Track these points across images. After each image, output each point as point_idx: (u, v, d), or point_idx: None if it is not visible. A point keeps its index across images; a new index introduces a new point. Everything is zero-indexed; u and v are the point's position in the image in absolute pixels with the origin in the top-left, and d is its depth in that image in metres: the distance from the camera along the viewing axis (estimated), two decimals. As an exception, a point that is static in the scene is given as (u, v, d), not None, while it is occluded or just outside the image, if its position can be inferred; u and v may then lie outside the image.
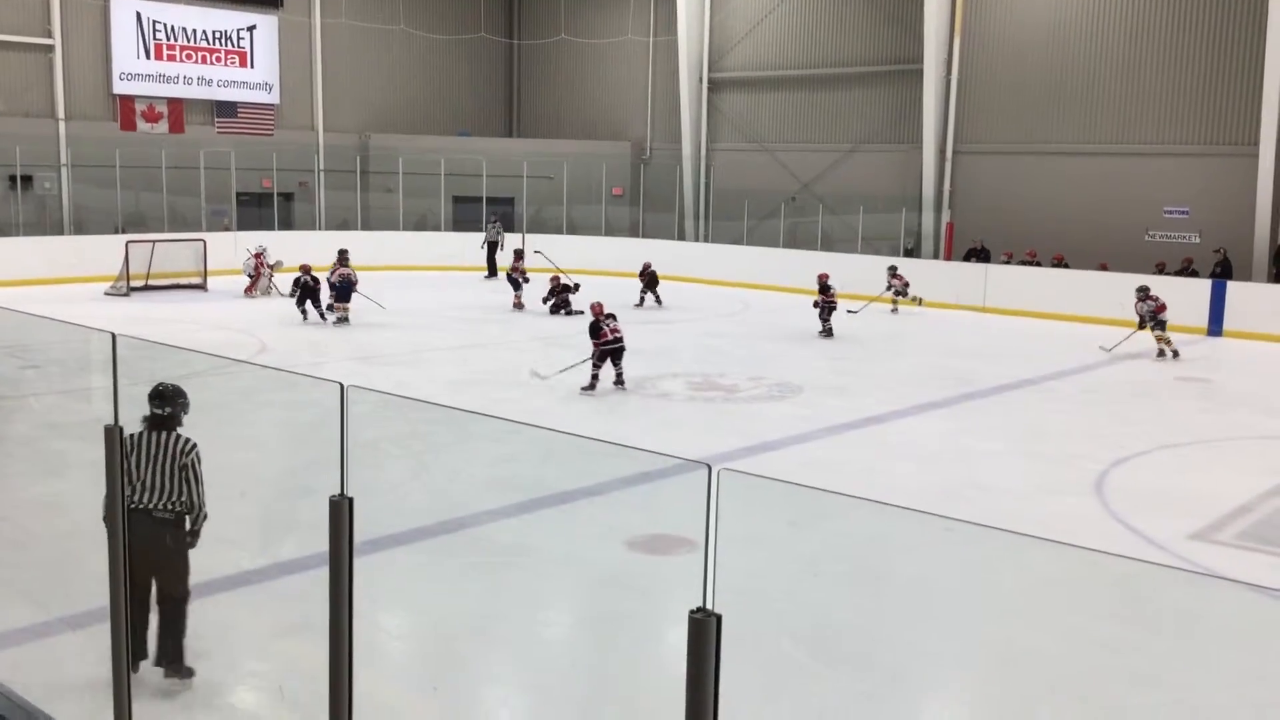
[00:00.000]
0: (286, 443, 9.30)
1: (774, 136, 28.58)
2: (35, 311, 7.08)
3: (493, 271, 26.42)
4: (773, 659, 5.91)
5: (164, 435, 5.47)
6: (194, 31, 27.38)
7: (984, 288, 22.75)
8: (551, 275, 20.50)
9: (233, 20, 27.93)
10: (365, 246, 24.83)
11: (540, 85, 33.47)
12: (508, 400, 12.79)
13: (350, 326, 18.13)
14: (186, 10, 27.16)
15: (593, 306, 14.15)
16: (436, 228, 29.21)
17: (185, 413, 5.61)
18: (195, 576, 6.59)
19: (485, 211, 28.80)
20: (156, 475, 5.40)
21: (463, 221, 29.57)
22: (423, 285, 24.00)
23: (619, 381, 13.53)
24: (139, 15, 26.44)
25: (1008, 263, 23.28)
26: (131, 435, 5.34)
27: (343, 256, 18.95)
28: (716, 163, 29.56)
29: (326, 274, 18.75)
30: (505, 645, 6.40)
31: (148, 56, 26.67)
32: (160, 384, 5.57)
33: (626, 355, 13.61)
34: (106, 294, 21.29)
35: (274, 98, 28.79)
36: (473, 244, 27.36)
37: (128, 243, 21.88)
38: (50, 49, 25.14)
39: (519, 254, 22.09)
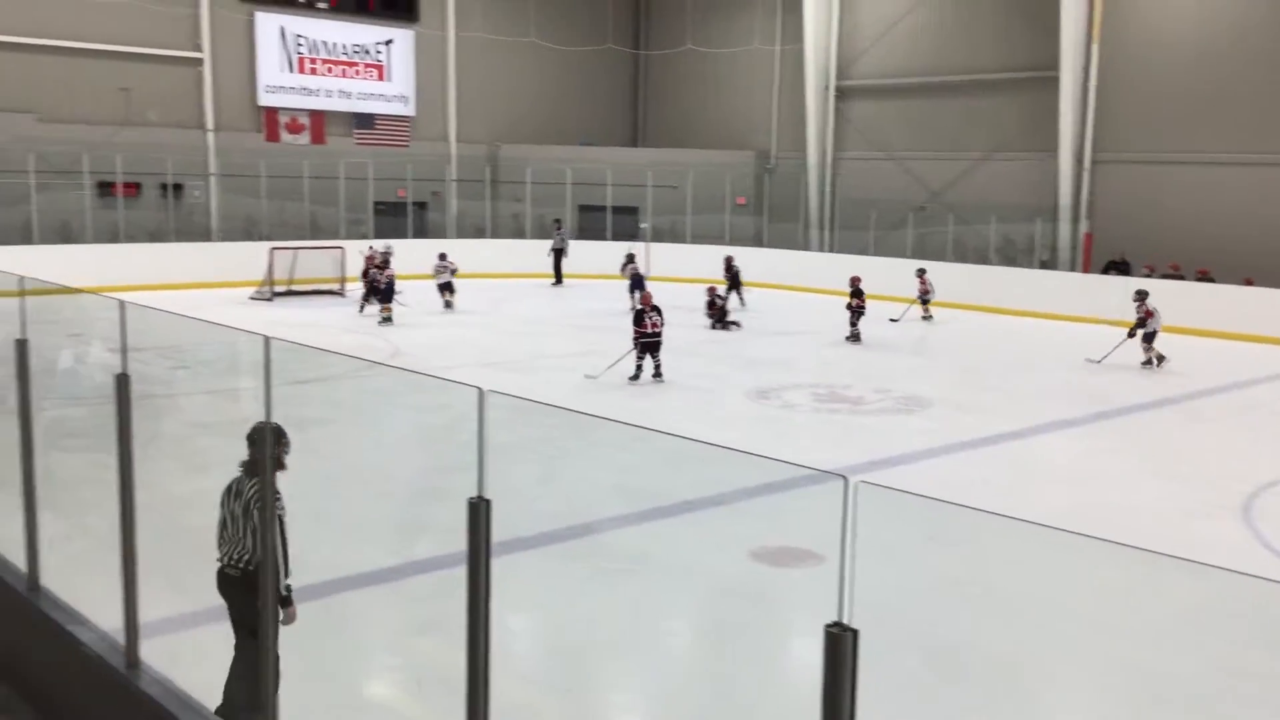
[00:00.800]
0: (420, 444, 9.55)
1: (902, 145, 28.15)
2: (189, 314, 7.43)
3: (559, 279, 26.58)
4: (900, 678, 5.82)
5: (248, 482, 4.91)
6: (335, 45, 28.36)
7: (1123, 301, 21.98)
8: (708, 287, 20.46)
9: (371, 34, 28.84)
10: (495, 253, 25.35)
11: (665, 95, 33.66)
12: (633, 408, 12.89)
13: (467, 328, 18.52)
14: (328, 24, 28.15)
15: (643, 297, 14.93)
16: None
17: (287, 453, 4.82)
18: (333, 571, 6.82)
19: (609, 221, 29.09)
20: (238, 528, 4.87)
21: (587, 229, 29.90)
22: (546, 292, 24.35)
23: (657, 374, 14.30)
24: (283, 30, 27.52)
25: (1149, 276, 22.42)
26: (231, 482, 4.95)
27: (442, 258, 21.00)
28: (842, 171, 29.26)
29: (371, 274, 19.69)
30: (629, 652, 6.45)
31: (291, 70, 27.73)
32: (260, 424, 4.69)
33: (758, 364, 13.63)
34: (251, 299, 22.18)
35: (410, 110, 29.61)
36: (596, 252, 27.63)
37: (272, 249, 22.76)
38: (199, 63, 26.35)
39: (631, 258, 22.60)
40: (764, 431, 12.21)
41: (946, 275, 23.33)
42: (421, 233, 28.71)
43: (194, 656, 5.63)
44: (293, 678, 5.03)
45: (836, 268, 26.56)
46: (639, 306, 14.81)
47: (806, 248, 28.96)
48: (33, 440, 5.60)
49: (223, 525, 4.94)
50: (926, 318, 21.93)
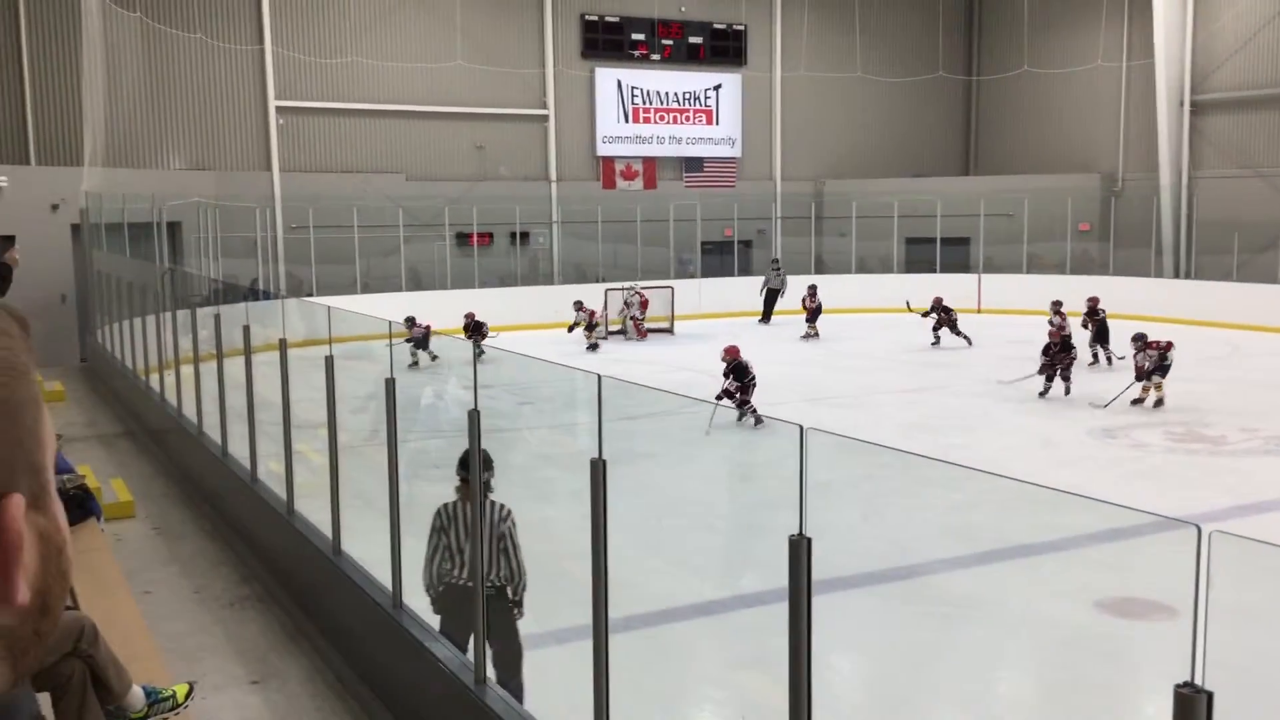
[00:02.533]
0: (744, 479, 9.68)
1: (1271, 160, 25.55)
2: (529, 353, 7.97)
3: (766, 318, 25.69)
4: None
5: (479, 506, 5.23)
6: (666, 94, 29.54)
7: None
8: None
9: (701, 81, 29.80)
10: (826, 288, 25.39)
11: (999, 120, 32.42)
12: (960, 446, 12.43)
13: (795, 365, 18.54)
14: (661, 75, 29.38)
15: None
16: (887, 270, 29.11)
17: (494, 477, 5.28)
18: (662, 602, 7.03)
19: (938, 252, 28.31)
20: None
21: (915, 262, 29.25)
22: (873, 327, 24.00)
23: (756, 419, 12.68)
24: (619, 83, 28.99)
25: None
26: (446, 506, 5.34)
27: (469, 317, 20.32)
28: (1199, 191, 26.93)
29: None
30: (958, 700, 6.20)
31: (626, 120, 29.14)
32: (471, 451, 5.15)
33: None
34: (587, 349, 23.38)
35: (736, 151, 30.29)
36: (925, 286, 26.92)
37: (606, 290, 23.91)
38: (545, 119, 28.26)
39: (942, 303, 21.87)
40: (1110, 473, 11.39)
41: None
42: (746, 270, 29.19)
43: (533, 676, 5.97)
44: (622, 703, 5.23)
45: (1194, 296, 24.49)
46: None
47: (1159, 275, 26.83)
48: (398, 469, 6.17)
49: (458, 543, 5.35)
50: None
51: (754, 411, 12.81)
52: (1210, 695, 2.25)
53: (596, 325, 22.85)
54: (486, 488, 5.20)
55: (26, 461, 0.68)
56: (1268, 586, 5.82)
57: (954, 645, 6.84)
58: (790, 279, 26.15)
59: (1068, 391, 15.53)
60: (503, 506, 5.31)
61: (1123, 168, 29.00)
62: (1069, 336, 16.24)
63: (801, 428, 3.65)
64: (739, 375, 13.67)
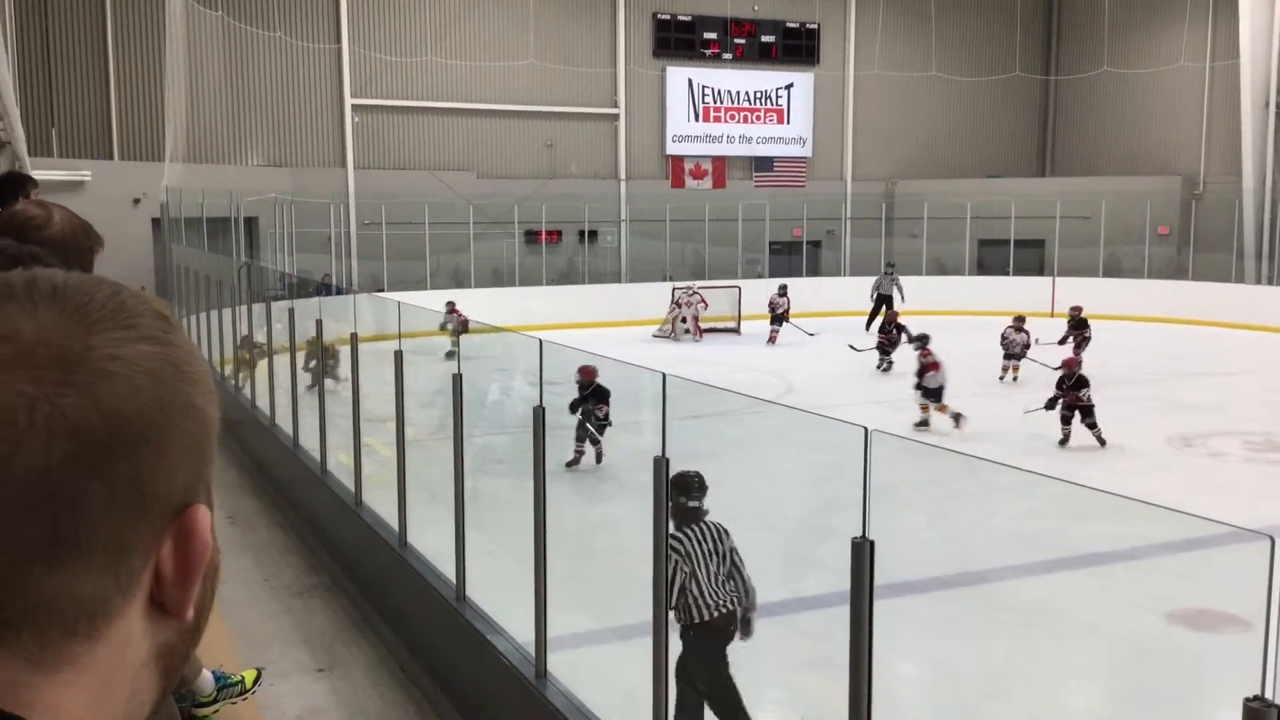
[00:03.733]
0: (808, 482, 9.61)
1: (1362, 163, 24.77)
2: (596, 351, 8.01)
3: (870, 325, 22.99)
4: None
5: (703, 529, 5.19)
6: (737, 93, 29.45)
7: None
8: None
9: (773, 80, 29.65)
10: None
11: (1077, 121, 31.80)
12: (1025, 453, 12.22)
13: (860, 366, 18.36)
14: (733, 74, 29.30)
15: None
16: (958, 272, 28.73)
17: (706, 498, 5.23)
18: (724, 603, 7.02)
19: (1012, 254, 27.86)
20: (713, 578, 5.11)
21: (988, 265, 28.82)
22: (943, 330, 23.65)
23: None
24: (690, 81, 28.97)
25: None
26: (673, 538, 5.02)
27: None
28: (1285, 195, 26.18)
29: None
30: (1023, 709, 6.10)
31: (696, 119, 29.11)
32: (684, 473, 5.07)
33: (1184, 408, 12.44)
34: (654, 336, 23.40)
35: (806, 150, 30.09)
36: (998, 289, 26.49)
37: (673, 289, 23.92)
38: (615, 117, 28.34)
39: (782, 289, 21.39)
40: (1184, 483, 11.13)
41: None
42: (815, 271, 29.00)
43: (593, 671, 6.00)
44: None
45: (1277, 301, 23.82)
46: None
47: (1241, 280, 26.13)
48: (463, 464, 6.24)
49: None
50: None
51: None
52: (1279, 708, 2.20)
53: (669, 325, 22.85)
54: (700, 510, 5.18)
55: (209, 477, 0.68)
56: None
57: (1021, 653, 6.73)
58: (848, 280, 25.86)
59: (1102, 442, 12.49)
60: (720, 526, 5.24)
61: (1204, 171, 28.30)
62: (1075, 371, 13.09)
63: (866, 429, 3.62)
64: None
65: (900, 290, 24.08)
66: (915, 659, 6.65)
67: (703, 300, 23.18)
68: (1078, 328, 18.18)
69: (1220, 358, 19.58)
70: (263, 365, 11.65)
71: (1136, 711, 5.96)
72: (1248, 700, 2.24)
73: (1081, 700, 6.38)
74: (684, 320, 22.95)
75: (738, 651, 6.39)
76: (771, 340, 21.97)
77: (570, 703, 4.84)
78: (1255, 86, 26.08)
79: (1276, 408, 14.89)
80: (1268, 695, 2.23)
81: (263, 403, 11.45)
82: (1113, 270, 27.37)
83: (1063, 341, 18.04)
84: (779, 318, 22.19)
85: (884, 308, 23.52)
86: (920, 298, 26.79)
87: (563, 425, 12.55)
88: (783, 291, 22.52)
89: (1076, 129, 31.83)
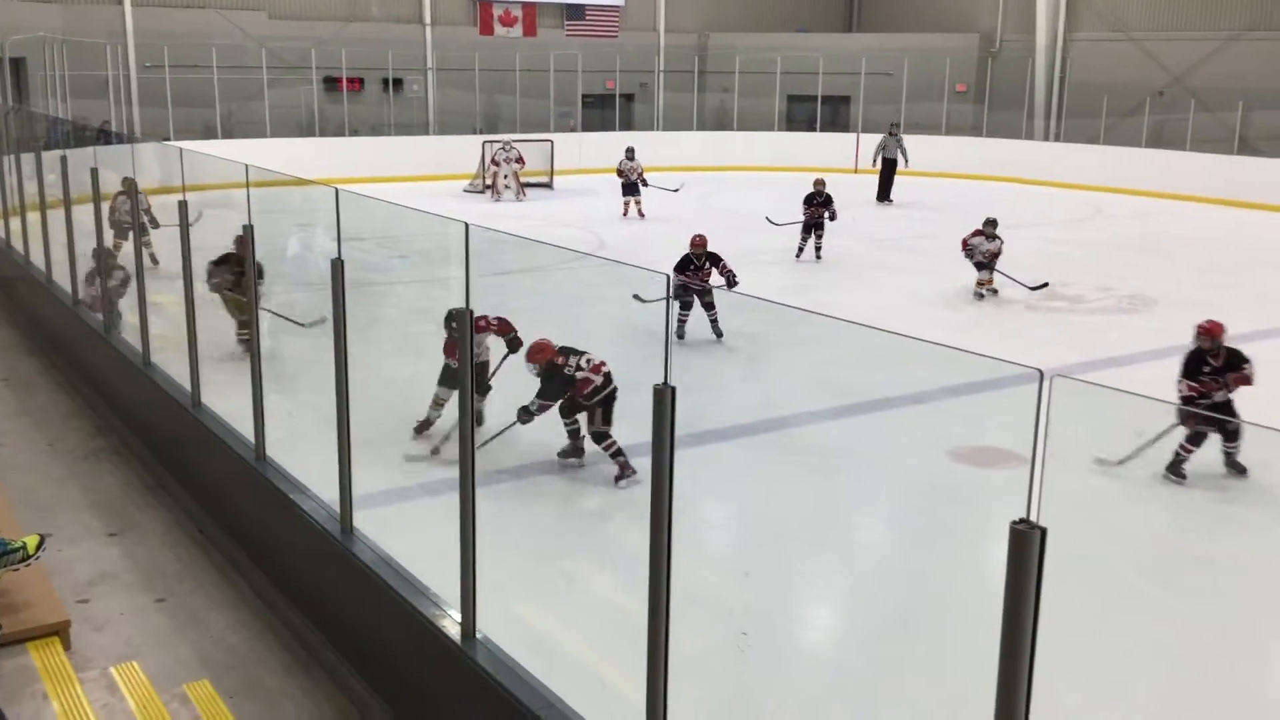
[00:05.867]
0: (624, 336, 9.66)
1: (1142, 24, 26.02)
2: (396, 203, 7.69)
3: (885, 194, 22.09)
4: (1106, 582, 5.59)
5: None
6: (546, -64, 28.34)
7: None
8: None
9: (582, -77, 28.64)
10: (702, 146, 25.09)
11: (884, -23, 32.15)
12: (841, 301, 12.66)
13: (675, 224, 18.49)
14: (540, -85, 28.12)
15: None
16: (769, 127, 28.99)
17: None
18: (533, 454, 7.08)
19: (819, 111, 28.23)
20: None
21: (796, 121, 29.21)
22: (755, 186, 24.00)
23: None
24: (497, -78, 27.68)
25: None
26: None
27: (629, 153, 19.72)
28: (1074, 55, 27.36)
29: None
30: (821, 544, 6.44)
31: (504, -38, 27.93)
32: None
33: (959, 262, 13.06)
34: (465, 191, 22.85)
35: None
36: (805, 145, 26.94)
37: (484, 143, 23.29)
38: (419, -42, 26.90)
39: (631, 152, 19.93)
40: (975, 332, 11.77)
41: (1183, 165, 21.70)
42: (628, 125, 28.73)
43: (400, 525, 5.97)
44: (485, 553, 5.26)
45: (1063, 158, 25.11)
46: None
47: (1030, 137, 27.37)
48: (259, 320, 5.96)
49: None
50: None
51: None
52: (1044, 530, 2.33)
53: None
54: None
55: None
56: (1106, 430, 6.13)
57: (818, 493, 7.06)
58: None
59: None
60: None
61: (1001, 28, 29.19)
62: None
63: (669, 275, 3.63)
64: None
65: (904, 152, 22.57)
66: (721, 503, 6.89)
67: (520, 157, 22.50)
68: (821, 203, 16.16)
69: (1010, 211, 20.58)
70: (35, 218, 10.77)
71: (920, 540, 6.38)
72: (1014, 523, 2.37)
73: (869, 533, 6.78)
74: (505, 179, 22.31)
75: (543, 498, 6.45)
76: (628, 212, 19.50)
77: (377, 555, 4.80)
78: (1050, -54, 26.89)
79: (1055, 259, 15.83)
80: (1033, 518, 2.36)
81: (37, 258, 10.65)
82: (913, 127, 28.16)
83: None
84: (632, 185, 19.52)
85: (893, 173, 22.23)
86: (736, 154, 27.04)
87: (369, 282, 12.19)
88: (631, 155, 19.83)
89: (883, -16, 32.20)
